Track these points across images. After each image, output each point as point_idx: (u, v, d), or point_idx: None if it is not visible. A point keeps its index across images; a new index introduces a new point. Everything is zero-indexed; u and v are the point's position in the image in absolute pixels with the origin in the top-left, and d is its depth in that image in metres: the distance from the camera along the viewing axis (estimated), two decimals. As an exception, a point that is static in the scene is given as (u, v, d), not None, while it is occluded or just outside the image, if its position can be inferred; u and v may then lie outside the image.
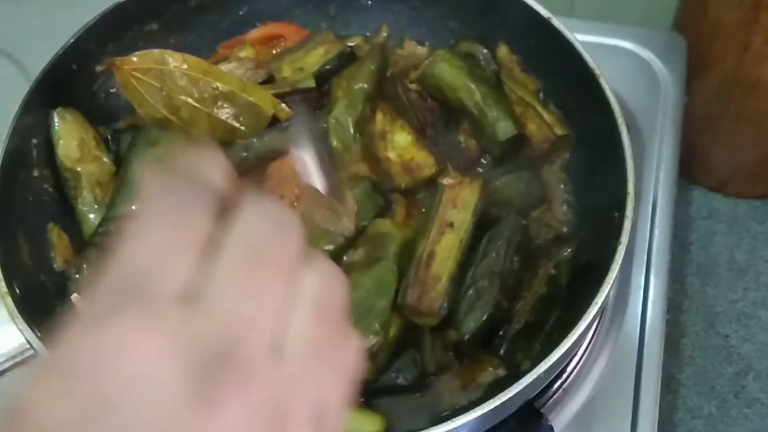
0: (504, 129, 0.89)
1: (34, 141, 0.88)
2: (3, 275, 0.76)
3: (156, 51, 0.88)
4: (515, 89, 0.95)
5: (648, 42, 1.14)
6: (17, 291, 0.77)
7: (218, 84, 0.88)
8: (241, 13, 1.03)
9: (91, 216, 0.88)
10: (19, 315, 0.74)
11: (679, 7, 1.22)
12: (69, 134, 0.89)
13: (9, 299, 0.75)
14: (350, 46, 0.99)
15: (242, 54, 0.97)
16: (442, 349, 0.81)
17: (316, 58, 0.98)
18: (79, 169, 0.89)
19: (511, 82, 0.96)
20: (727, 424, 1.14)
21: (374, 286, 0.79)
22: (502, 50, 0.98)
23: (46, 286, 0.84)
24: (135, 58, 0.86)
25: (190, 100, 0.88)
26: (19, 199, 0.85)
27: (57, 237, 0.87)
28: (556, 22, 0.91)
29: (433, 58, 0.93)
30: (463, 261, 0.81)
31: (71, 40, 0.91)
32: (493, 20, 0.98)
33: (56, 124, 0.89)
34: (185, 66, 0.87)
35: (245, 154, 0.89)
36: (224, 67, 0.93)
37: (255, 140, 0.89)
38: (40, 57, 0.89)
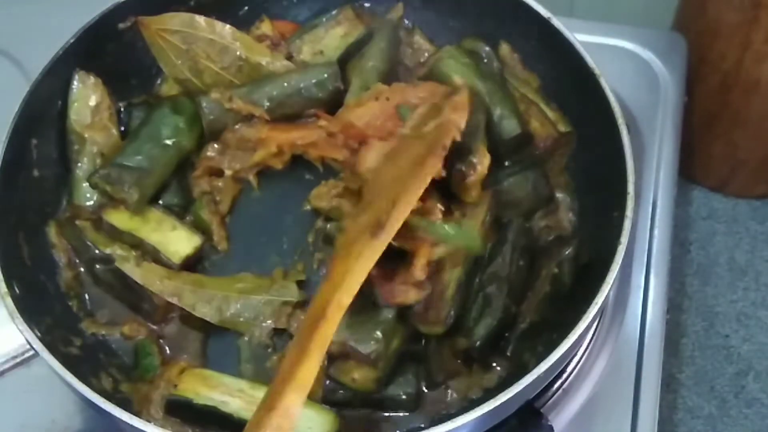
0: (509, 127, 0.89)
1: (34, 141, 0.88)
2: (3, 275, 0.76)
3: (185, 14, 0.89)
4: (518, 86, 0.95)
5: (648, 42, 1.14)
6: (17, 291, 0.77)
7: (246, 54, 0.89)
8: (241, 13, 1.03)
9: (85, 185, 0.88)
10: (19, 315, 0.74)
11: (679, 7, 1.22)
12: (85, 98, 0.90)
13: (9, 299, 0.75)
14: (370, 30, 0.99)
15: (259, 31, 0.97)
16: (451, 357, 0.81)
17: (335, 39, 0.98)
18: (86, 135, 0.89)
19: (513, 79, 0.96)
20: (727, 424, 1.14)
21: None
22: (504, 48, 0.98)
23: (46, 286, 0.84)
24: (163, 19, 0.87)
25: (214, 66, 0.88)
26: (19, 199, 0.85)
27: (56, 236, 0.87)
28: (556, 22, 0.91)
29: (440, 54, 0.93)
30: (471, 269, 0.81)
31: (71, 40, 0.91)
32: (494, 20, 0.98)
33: (75, 85, 0.89)
34: (213, 32, 0.88)
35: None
36: None
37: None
38: (40, 57, 0.89)
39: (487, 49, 0.96)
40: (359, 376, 0.77)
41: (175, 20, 0.88)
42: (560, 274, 0.83)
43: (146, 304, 0.84)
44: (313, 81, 0.91)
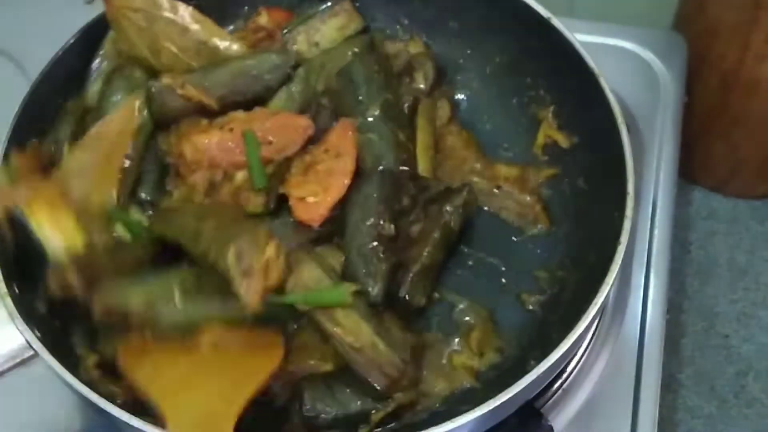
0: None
1: (34, 141, 0.88)
2: (3, 275, 0.76)
3: None
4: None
5: (648, 42, 1.14)
6: (17, 291, 0.77)
7: (205, 37, 0.88)
8: (241, 12, 1.03)
9: None
10: (19, 315, 0.74)
11: (679, 7, 1.22)
12: None
13: (9, 299, 0.75)
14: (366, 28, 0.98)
15: (255, 24, 0.96)
16: (400, 332, 0.79)
17: (332, 31, 0.96)
18: None
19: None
20: (727, 424, 1.14)
21: None
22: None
23: (46, 286, 0.84)
24: None
25: (173, 47, 0.88)
26: (19, 199, 0.85)
27: None
28: (556, 22, 0.91)
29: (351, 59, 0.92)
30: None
31: (71, 41, 0.91)
32: (494, 20, 0.98)
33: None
34: (175, 12, 0.87)
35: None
36: (237, 34, 0.94)
37: None
38: (40, 57, 0.89)
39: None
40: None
41: None
42: (449, 221, 0.84)
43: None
44: (266, 66, 0.90)
